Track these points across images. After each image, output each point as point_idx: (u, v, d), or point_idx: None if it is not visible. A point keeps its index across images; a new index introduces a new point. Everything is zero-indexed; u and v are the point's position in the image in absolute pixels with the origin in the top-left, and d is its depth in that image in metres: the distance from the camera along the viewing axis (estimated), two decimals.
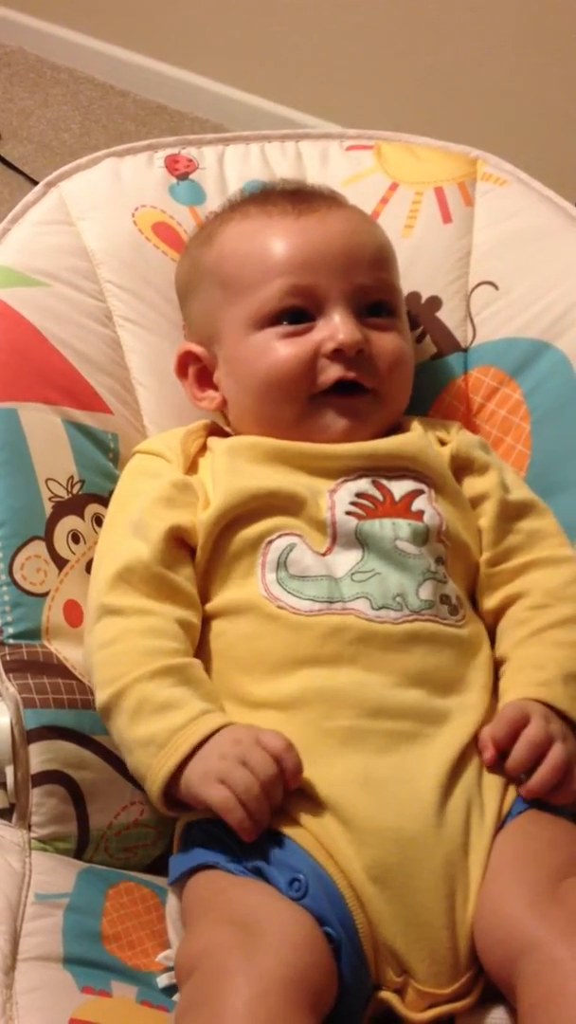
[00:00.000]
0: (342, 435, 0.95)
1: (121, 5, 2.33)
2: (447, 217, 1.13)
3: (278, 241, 0.97)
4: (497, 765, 0.85)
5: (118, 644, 0.88)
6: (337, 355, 0.94)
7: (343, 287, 0.95)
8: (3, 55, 2.41)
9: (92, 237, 1.09)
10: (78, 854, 0.89)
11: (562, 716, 0.87)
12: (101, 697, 0.87)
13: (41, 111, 2.30)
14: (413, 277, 1.11)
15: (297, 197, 1.01)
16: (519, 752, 0.84)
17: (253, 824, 0.80)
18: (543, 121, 1.91)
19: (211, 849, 0.82)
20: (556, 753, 0.84)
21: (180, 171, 1.15)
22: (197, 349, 1.02)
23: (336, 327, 0.94)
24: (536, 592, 0.94)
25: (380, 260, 0.99)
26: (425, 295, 1.11)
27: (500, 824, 0.84)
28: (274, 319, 0.96)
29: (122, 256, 1.09)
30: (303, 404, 0.95)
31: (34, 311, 1.03)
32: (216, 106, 2.26)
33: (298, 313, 0.96)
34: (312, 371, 0.95)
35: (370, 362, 0.95)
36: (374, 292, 0.97)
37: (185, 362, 1.03)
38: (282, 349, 0.95)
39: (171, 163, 1.15)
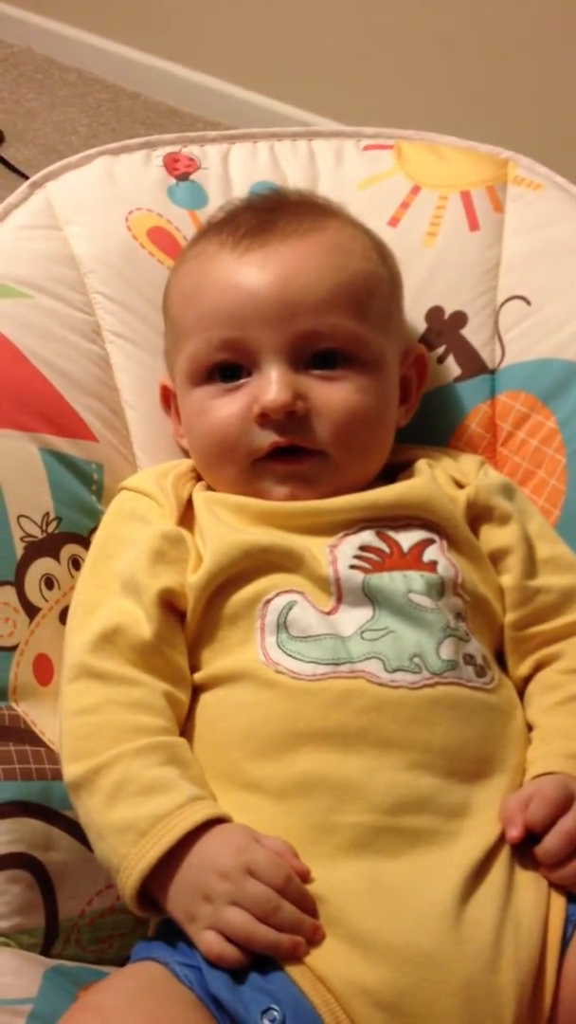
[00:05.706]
0: (287, 500, 0.84)
1: (132, 4, 2.25)
2: (474, 224, 1.02)
3: (213, 287, 0.86)
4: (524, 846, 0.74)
5: (98, 714, 0.77)
6: (265, 419, 0.83)
7: (276, 339, 0.83)
8: (10, 55, 2.32)
9: (81, 243, 0.99)
10: (46, 948, 0.78)
11: None
12: (74, 771, 0.76)
13: (48, 113, 2.22)
14: (435, 290, 1.01)
15: (255, 225, 0.88)
16: (554, 844, 0.73)
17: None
18: None
19: (176, 948, 0.72)
20: None
21: (180, 171, 1.05)
22: (170, 385, 0.93)
23: (263, 387, 0.83)
24: (571, 655, 0.84)
25: (334, 302, 0.84)
26: (449, 310, 1.01)
27: (565, 933, 0.72)
28: (208, 375, 0.86)
29: (113, 264, 0.99)
30: (244, 469, 0.85)
31: (13, 325, 0.93)
32: (229, 108, 2.17)
33: (231, 368, 0.85)
34: (247, 436, 0.84)
35: (311, 421, 0.84)
36: (321, 340, 0.84)
37: (166, 395, 0.94)
38: (216, 412, 0.85)
39: (170, 162, 1.05)
